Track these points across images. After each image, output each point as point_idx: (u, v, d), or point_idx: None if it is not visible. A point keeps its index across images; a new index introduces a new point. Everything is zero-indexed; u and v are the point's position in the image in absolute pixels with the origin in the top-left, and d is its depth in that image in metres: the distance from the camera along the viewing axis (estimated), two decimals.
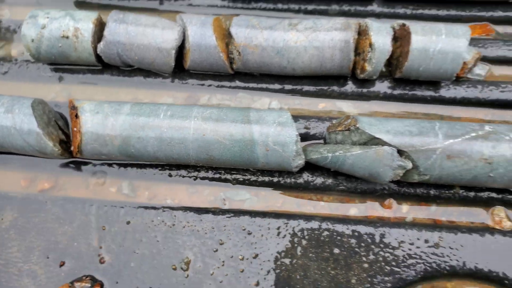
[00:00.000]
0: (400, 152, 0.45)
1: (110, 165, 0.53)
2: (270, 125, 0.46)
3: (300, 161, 0.47)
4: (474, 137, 0.44)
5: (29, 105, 0.48)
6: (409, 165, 0.44)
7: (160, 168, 0.53)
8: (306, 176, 0.51)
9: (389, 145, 0.44)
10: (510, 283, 0.45)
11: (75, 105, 0.49)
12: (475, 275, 0.46)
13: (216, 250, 0.48)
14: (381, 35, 0.50)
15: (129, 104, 0.49)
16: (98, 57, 0.55)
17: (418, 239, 0.47)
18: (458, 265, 0.46)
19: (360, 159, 0.45)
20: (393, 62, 0.53)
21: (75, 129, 0.48)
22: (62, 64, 0.58)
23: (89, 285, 0.47)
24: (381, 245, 0.47)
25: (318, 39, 0.50)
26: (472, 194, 0.49)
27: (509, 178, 0.44)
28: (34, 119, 0.47)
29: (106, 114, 0.48)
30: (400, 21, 0.52)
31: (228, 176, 0.52)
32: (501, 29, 0.59)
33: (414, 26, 0.50)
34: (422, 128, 0.45)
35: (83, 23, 0.53)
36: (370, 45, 0.50)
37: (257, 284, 0.46)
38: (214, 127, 0.47)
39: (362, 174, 0.46)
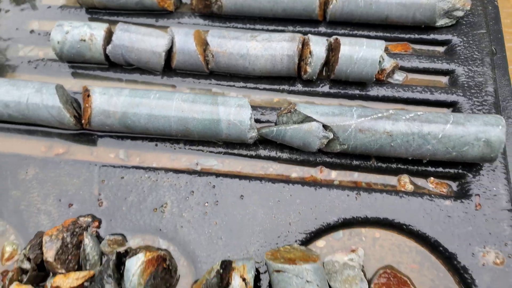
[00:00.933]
0: (325, 127, 0.61)
1: (111, 136, 0.70)
2: (232, 106, 0.63)
3: (253, 134, 0.64)
4: (380, 117, 0.61)
5: (53, 87, 0.65)
6: (331, 135, 0.61)
7: (149, 140, 0.69)
8: (259, 149, 0.67)
9: (317, 121, 0.61)
10: (407, 229, 0.61)
11: (87, 88, 0.66)
12: (382, 222, 0.61)
13: (188, 198, 0.63)
14: (318, 45, 0.67)
15: (128, 89, 0.66)
16: (106, 57, 0.73)
17: (341, 196, 0.63)
18: (371, 216, 0.61)
19: (296, 132, 0.62)
20: (330, 67, 0.71)
21: (86, 105, 0.65)
22: (78, 63, 0.76)
23: (90, 219, 0.62)
24: (313, 199, 0.62)
25: (272, 47, 0.68)
26: (384, 165, 0.65)
27: (406, 147, 0.60)
28: (57, 97, 0.64)
29: (111, 95, 0.65)
30: (335, 36, 0.69)
31: (201, 147, 0.68)
32: (417, 47, 0.77)
33: (344, 39, 0.68)
34: (342, 110, 0.62)
35: (97, 31, 0.71)
36: (310, 52, 0.67)
37: (216, 223, 0.62)
38: (190, 106, 0.63)
39: (298, 143, 0.63)
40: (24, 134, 0.70)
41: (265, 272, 0.57)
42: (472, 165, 0.63)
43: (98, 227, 0.61)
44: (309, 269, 0.50)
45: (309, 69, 0.67)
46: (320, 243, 0.60)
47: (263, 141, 0.67)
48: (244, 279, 0.51)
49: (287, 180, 0.64)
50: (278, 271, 0.51)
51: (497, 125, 0.57)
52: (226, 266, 0.53)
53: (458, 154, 0.58)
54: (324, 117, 0.60)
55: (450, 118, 0.59)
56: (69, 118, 0.64)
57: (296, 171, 0.66)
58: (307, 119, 0.61)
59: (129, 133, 0.68)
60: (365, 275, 0.57)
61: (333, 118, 0.60)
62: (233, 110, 0.62)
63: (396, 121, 0.60)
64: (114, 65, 0.75)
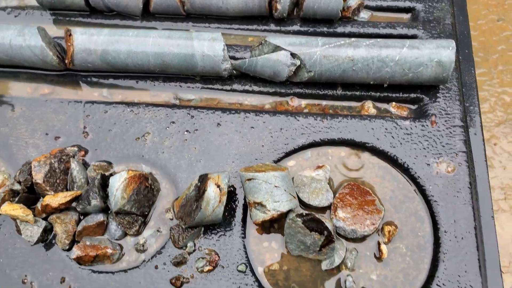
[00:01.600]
0: (293, 55, 0.66)
1: (94, 76, 0.74)
2: (205, 39, 0.68)
3: (227, 65, 0.68)
4: (342, 44, 0.66)
5: (35, 28, 0.69)
6: (298, 62, 0.66)
7: (130, 78, 0.73)
8: (235, 83, 0.72)
9: (285, 50, 0.66)
10: (370, 147, 0.66)
11: (69, 28, 0.70)
12: (347, 142, 0.67)
13: (168, 128, 0.68)
14: None
15: (108, 29, 0.70)
16: (87, 3, 0.76)
17: (310, 123, 0.68)
18: (336, 137, 0.67)
19: (266, 61, 0.67)
20: (299, 6, 0.75)
21: (68, 44, 0.69)
22: (59, 9, 0.79)
23: (77, 149, 0.67)
24: (284, 124, 0.67)
25: None
26: (349, 92, 0.71)
27: (366, 71, 0.65)
28: (40, 37, 0.68)
29: (91, 34, 0.69)
30: None
31: (180, 83, 0.73)
32: None
33: None
34: (308, 40, 0.67)
35: None
36: None
37: (195, 149, 0.67)
38: (166, 41, 0.68)
39: (269, 73, 0.68)
40: (10, 77, 0.74)
41: (240, 188, 0.62)
42: (429, 89, 0.68)
43: (84, 156, 0.66)
44: (277, 175, 0.56)
45: (279, 7, 0.72)
46: (291, 162, 0.65)
47: (238, 76, 0.72)
48: (218, 186, 0.56)
49: (261, 110, 0.69)
50: (249, 179, 0.56)
51: (448, 47, 0.63)
52: (203, 179, 0.57)
53: (414, 76, 0.64)
54: (291, 46, 0.65)
55: (406, 42, 0.64)
56: (52, 56, 0.68)
57: (269, 102, 0.71)
58: (277, 49, 0.66)
59: (110, 71, 0.72)
60: (331, 188, 0.63)
61: (300, 47, 0.65)
62: (206, 43, 0.66)
63: (357, 47, 0.65)
64: (95, 11, 0.78)
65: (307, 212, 0.55)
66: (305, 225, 0.55)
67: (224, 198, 0.55)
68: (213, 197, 0.54)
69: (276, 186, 0.55)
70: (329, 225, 0.55)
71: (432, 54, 0.62)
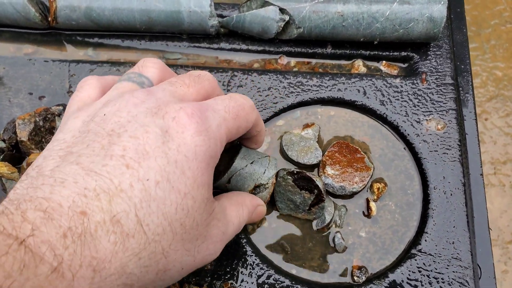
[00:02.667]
0: (282, 10, 0.65)
1: (79, 35, 0.72)
2: None
3: (214, 22, 0.67)
4: None
5: None
6: (287, 18, 0.64)
7: (115, 37, 0.72)
8: (222, 41, 0.71)
9: (274, 5, 0.64)
10: (360, 105, 0.65)
11: None
12: (336, 101, 0.66)
13: None
14: None
15: None
16: None
17: (300, 81, 0.67)
18: (325, 96, 0.66)
19: (254, 16, 0.65)
20: None
21: (51, 0, 0.67)
22: None
23: (62, 108, 0.65)
24: (273, 84, 0.66)
25: None
26: (339, 51, 0.69)
27: (356, 27, 0.64)
28: None
29: None
30: None
31: (166, 42, 0.71)
32: None
33: None
34: None
35: None
36: None
37: None
38: None
39: (258, 30, 0.66)
40: None
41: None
42: (420, 48, 0.67)
43: None
44: (240, 157, 0.54)
45: None
46: (280, 122, 0.65)
47: (226, 34, 0.70)
48: None
49: (249, 69, 0.68)
50: (228, 182, 0.54)
51: (439, 2, 0.61)
52: None
53: (404, 32, 0.63)
54: (280, 1, 0.64)
55: None
56: (34, 13, 0.66)
57: (258, 62, 0.70)
58: (265, 5, 0.64)
59: (96, 29, 0.70)
60: (320, 146, 0.62)
61: (289, 2, 0.64)
62: None
63: (346, 2, 0.63)
64: None
65: (298, 170, 0.55)
66: (296, 183, 0.55)
67: None
68: None
69: (251, 163, 0.54)
70: (319, 183, 0.54)
71: (423, 9, 0.61)
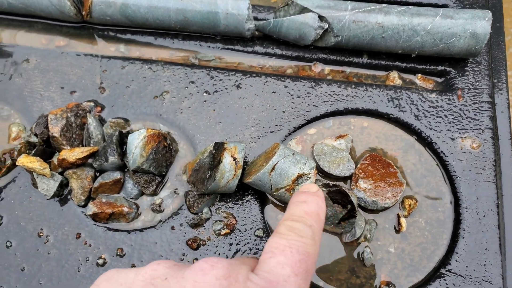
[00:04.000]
0: (320, 18, 0.64)
1: (111, 30, 0.71)
2: None
3: (251, 25, 0.66)
4: (373, 9, 0.63)
5: None
6: (326, 26, 0.63)
7: (148, 34, 0.71)
8: (256, 45, 0.70)
9: (313, 12, 0.63)
10: (394, 118, 0.64)
11: None
12: (370, 112, 0.65)
13: (187, 88, 0.66)
14: None
15: None
16: None
17: (334, 90, 0.66)
18: (360, 106, 0.65)
19: (292, 22, 0.64)
20: None
21: None
22: None
23: (93, 104, 0.65)
24: (306, 90, 0.65)
25: None
26: (375, 61, 0.68)
27: (396, 39, 0.63)
28: None
29: None
30: None
31: (199, 42, 0.70)
32: None
33: None
34: (337, 3, 0.64)
35: None
36: None
37: (214, 111, 0.65)
38: None
39: (294, 35, 0.65)
40: (24, 27, 0.71)
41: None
42: (458, 62, 0.66)
43: (101, 111, 0.64)
44: (280, 148, 0.54)
45: None
46: (311, 130, 0.64)
47: (260, 38, 0.69)
48: (234, 159, 0.54)
49: (283, 75, 0.67)
50: (272, 169, 0.54)
51: (483, 18, 0.60)
52: (219, 147, 0.56)
53: (445, 47, 0.61)
54: (319, 8, 0.63)
55: (440, 11, 0.61)
56: (69, 6, 0.65)
57: (291, 67, 0.69)
58: (304, 11, 0.63)
59: (129, 26, 0.69)
60: (352, 158, 0.62)
61: (328, 10, 0.63)
62: (231, 0, 0.64)
63: (387, 13, 0.62)
64: None
65: (334, 183, 0.54)
66: (329, 196, 0.54)
67: (239, 172, 0.53)
68: (228, 170, 0.53)
69: (292, 154, 0.54)
70: (354, 199, 0.54)
71: (467, 24, 0.60)
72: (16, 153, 0.59)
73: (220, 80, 0.66)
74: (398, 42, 0.62)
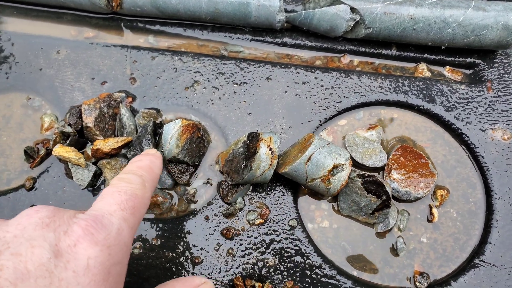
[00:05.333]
0: (352, 10, 0.64)
1: (140, 21, 0.71)
2: None
3: (282, 17, 0.66)
4: (405, 1, 0.63)
5: None
6: (357, 17, 0.63)
7: (177, 25, 0.71)
8: (285, 36, 0.70)
9: (345, 4, 0.63)
10: (424, 110, 0.65)
11: None
12: (400, 103, 0.65)
13: (217, 79, 0.66)
14: None
15: None
16: None
17: (364, 82, 0.66)
18: (390, 98, 0.65)
19: (323, 14, 0.64)
20: None
21: None
22: None
23: (124, 95, 0.65)
24: (336, 82, 0.66)
25: None
26: (404, 53, 0.69)
27: (427, 31, 0.63)
28: None
29: None
30: None
31: (229, 34, 0.70)
32: None
33: None
34: None
35: None
36: None
37: (245, 102, 0.65)
38: None
39: (325, 27, 0.65)
40: (54, 18, 0.72)
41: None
42: (486, 55, 0.66)
43: (132, 102, 0.64)
44: (316, 138, 0.54)
45: None
46: (342, 121, 0.64)
47: (289, 29, 0.69)
48: (270, 149, 0.55)
49: (312, 66, 0.67)
50: (308, 159, 0.54)
51: None
52: (253, 138, 0.56)
53: (476, 38, 0.62)
54: (351, 0, 0.63)
55: (472, 3, 0.62)
56: None
57: (320, 59, 0.69)
58: (335, 2, 0.63)
59: (159, 17, 0.69)
60: (383, 149, 0.62)
61: (360, 1, 0.63)
62: None
63: (419, 5, 0.62)
64: None
65: (369, 173, 0.54)
66: (364, 187, 0.54)
67: (275, 162, 0.53)
68: (264, 160, 0.53)
69: (327, 144, 0.54)
70: (389, 189, 0.54)
71: (499, 16, 0.60)
72: (51, 143, 0.59)
73: (250, 71, 0.66)
74: (429, 34, 0.63)
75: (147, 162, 0.44)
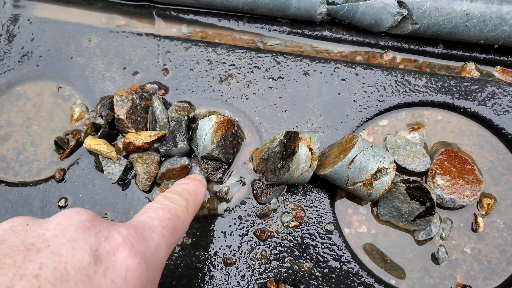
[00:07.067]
0: (400, 3, 0.60)
1: (172, 10, 0.68)
2: None
3: (323, 9, 0.62)
4: None
5: None
6: (405, 12, 0.60)
7: (212, 16, 0.68)
8: (325, 29, 0.66)
9: None
10: (470, 113, 0.61)
11: None
12: (445, 105, 0.62)
13: (253, 73, 0.63)
14: None
15: None
16: None
17: (408, 80, 0.63)
18: (435, 99, 0.62)
19: (369, 7, 0.60)
20: None
21: None
22: None
23: (157, 87, 0.63)
24: (378, 79, 0.62)
25: None
26: (451, 51, 0.65)
27: (481, 28, 0.59)
28: None
29: None
30: None
31: (265, 25, 0.67)
32: None
33: None
34: None
35: None
36: None
37: (281, 98, 0.62)
38: None
39: (369, 21, 0.62)
40: (84, 5, 0.69)
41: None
42: None
43: (164, 94, 0.62)
44: (359, 140, 0.51)
45: None
46: (383, 122, 0.61)
47: (329, 22, 0.66)
48: (310, 149, 0.52)
49: (353, 62, 0.64)
50: (351, 161, 0.51)
51: None
52: (291, 136, 0.53)
53: None
54: None
55: None
56: None
57: (361, 54, 0.65)
58: None
59: (194, 6, 0.67)
60: (427, 152, 0.58)
61: None
62: None
63: (474, 0, 0.58)
64: None
65: (414, 178, 0.51)
66: (408, 192, 0.51)
67: (315, 164, 0.51)
68: (304, 161, 0.50)
69: (371, 146, 0.51)
70: (434, 196, 0.51)
71: None
72: (82, 134, 0.57)
73: (287, 65, 0.63)
74: (483, 31, 0.59)
75: (193, 187, 0.45)
